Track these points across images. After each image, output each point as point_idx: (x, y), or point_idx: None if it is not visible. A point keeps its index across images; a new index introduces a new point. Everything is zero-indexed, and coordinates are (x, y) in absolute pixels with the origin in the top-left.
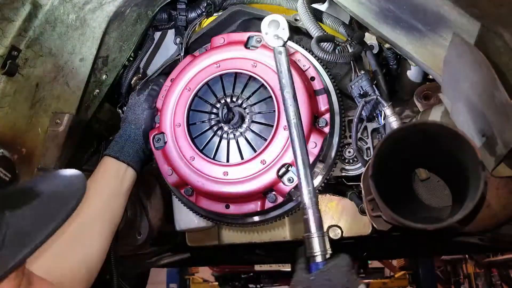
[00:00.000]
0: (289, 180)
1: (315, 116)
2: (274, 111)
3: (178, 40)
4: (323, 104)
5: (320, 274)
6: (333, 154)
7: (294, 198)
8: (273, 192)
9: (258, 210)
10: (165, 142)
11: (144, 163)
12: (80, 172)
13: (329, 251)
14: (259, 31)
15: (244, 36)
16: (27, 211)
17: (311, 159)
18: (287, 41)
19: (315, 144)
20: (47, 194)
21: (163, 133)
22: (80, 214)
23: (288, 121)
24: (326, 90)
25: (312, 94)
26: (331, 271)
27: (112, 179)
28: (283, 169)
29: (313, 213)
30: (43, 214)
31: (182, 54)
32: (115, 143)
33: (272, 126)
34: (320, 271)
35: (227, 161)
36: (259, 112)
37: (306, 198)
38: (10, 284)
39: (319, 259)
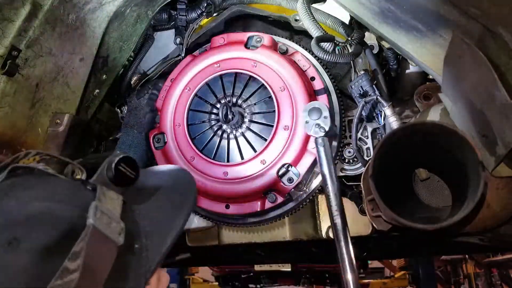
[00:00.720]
0: (289, 180)
1: None
2: (274, 111)
3: (178, 40)
4: None
5: None
6: (333, 154)
7: (294, 198)
8: (273, 192)
9: (258, 210)
10: (165, 142)
11: (146, 167)
12: (178, 167)
13: None
14: (259, 31)
15: (244, 36)
16: (153, 204)
17: (311, 159)
18: (328, 131)
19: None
20: (164, 188)
21: (163, 133)
22: None
23: (331, 219)
24: (326, 90)
25: (312, 94)
26: None
27: None
28: (283, 169)
29: None
30: (169, 207)
31: (182, 54)
32: (119, 149)
33: (272, 126)
34: None
35: (227, 161)
36: (259, 112)
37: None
38: (154, 276)
39: None
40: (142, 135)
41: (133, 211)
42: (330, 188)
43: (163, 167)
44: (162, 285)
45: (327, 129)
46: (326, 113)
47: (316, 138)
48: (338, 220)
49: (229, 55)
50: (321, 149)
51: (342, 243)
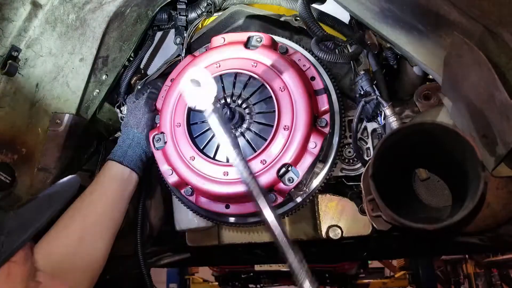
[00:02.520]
0: (289, 180)
1: (315, 116)
2: (274, 111)
3: (178, 40)
4: (323, 104)
5: None
6: (333, 154)
7: (294, 198)
8: (273, 192)
9: (258, 210)
10: (165, 142)
11: (146, 167)
12: (73, 175)
13: None
14: (259, 31)
15: (244, 36)
16: (28, 208)
17: (311, 160)
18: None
19: (315, 144)
20: (44, 195)
21: (163, 133)
22: (85, 217)
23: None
24: (326, 90)
25: (312, 94)
26: None
27: (115, 184)
28: (283, 169)
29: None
30: (42, 207)
31: (183, 54)
32: (119, 147)
33: (272, 126)
34: None
35: (227, 161)
36: (259, 112)
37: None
38: (20, 269)
39: None
40: (142, 135)
41: (8, 214)
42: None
43: (61, 180)
44: (11, 278)
45: (214, 94)
46: (206, 79)
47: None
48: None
49: (229, 55)
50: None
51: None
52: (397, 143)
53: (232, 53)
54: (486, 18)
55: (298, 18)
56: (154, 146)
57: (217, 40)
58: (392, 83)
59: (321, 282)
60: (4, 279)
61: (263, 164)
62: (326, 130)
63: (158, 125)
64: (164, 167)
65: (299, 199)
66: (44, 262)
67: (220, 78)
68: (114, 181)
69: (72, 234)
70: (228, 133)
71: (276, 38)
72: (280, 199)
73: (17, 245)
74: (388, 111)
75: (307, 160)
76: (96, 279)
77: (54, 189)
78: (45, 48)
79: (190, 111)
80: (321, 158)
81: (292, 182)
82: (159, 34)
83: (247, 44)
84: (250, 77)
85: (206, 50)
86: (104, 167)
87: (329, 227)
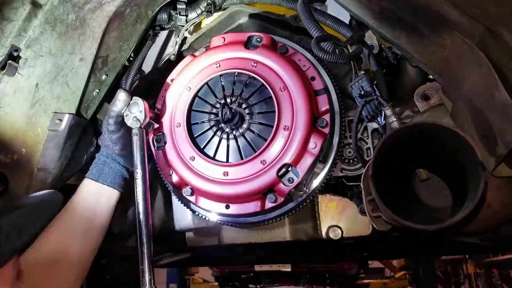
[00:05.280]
0: (289, 180)
1: (315, 116)
2: (274, 111)
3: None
4: (323, 104)
5: None
6: (333, 154)
7: (294, 199)
8: (273, 193)
9: (258, 210)
10: (165, 142)
11: (128, 180)
12: (52, 190)
13: None
14: (259, 31)
15: (244, 36)
16: (17, 215)
17: (311, 160)
18: (142, 123)
19: (315, 144)
20: (31, 204)
21: (163, 133)
22: (61, 233)
23: (136, 198)
24: (326, 90)
25: (312, 94)
26: None
27: (92, 201)
28: (283, 170)
29: None
30: (30, 216)
31: (175, 52)
32: (95, 165)
33: (272, 126)
34: None
35: (227, 161)
36: (259, 112)
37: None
38: (10, 273)
39: None
40: (114, 155)
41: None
42: (139, 174)
43: (39, 192)
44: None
45: (141, 121)
46: (142, 107)
47: (132, 129)
48: (140, 207)
49: (229, 55)
50: (135, 138)
51: (143, 229)
52: (397, 143)
53: (232, 53)
54: (486, 18)
55: (298, 18)
56: (155, 146)
57: (217, 40)
58: (392, 83)
59: (321, 282)
60: None
61: (263, 164)
62: (326, 130)
63: (157, 125)
64: (164, 167)
65: (299, 200)
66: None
67: (220, 78)
68: (91, 199)
69: (47, 250)
70: (141, 156)
71: (276, 38)
72: (280, 200)
73: (12, 250)
74: (388, 111)
75: (307, 161)
76: None
77: (36, 198)
78: (44, 48)
79: (191, 111)
80: (321, 158)
81: (292, 182)
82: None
83: (247, 44)
84: (250, 77)
85: (206, 49)
86: (81, 185)
87: (329, 227)
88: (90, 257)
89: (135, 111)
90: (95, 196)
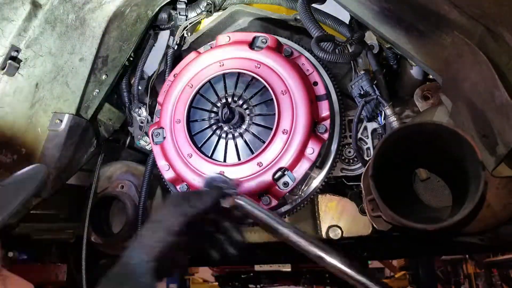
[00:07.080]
0: (284, 184)
1: (315, 121)
2: (274, 114)
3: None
4: (324, 110)
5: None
6: (330, 159)
7: (288, 202)
8: (268, 195)
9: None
10: (164, 137)
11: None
12: (36, 164)
13: None
14: (259, 31)
15: (249, 36)
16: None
17: (308, 165)
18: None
19: (312, 150)
20: (11, 181)
21: (162, 128)
22: None
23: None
24: (328, 96)
25: (314, 100)
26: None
27: None
28: (279, 173)
29: None
30: (9, 192)
31: (172, 44)
32: (114, 275)
33: (271, 129)
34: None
35: (224, 160)
36: (259, 114)
37: None
38: None
39: None
40: (149, 265)
41: None
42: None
43: (25, 168)
44: None
45: None
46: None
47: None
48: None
49: (233, 55)
50: None
51: None
52: (397, 143)
53: (237, 53)
54: (487, 18)
55: (298, 18)
56: (153, 140)
57: (222, 38)
58: (392, 83)
59: (321, 282)
60: None
61: (260, 166)
62: (325, 136)
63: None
64: (161, 162)
65: (293, 203)
66: None
67: (222, 77)
68: None
69: None
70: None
71: (282, 40)
72: (274, 202)
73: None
74: (388, 111)
75: (304, 166)
76: None
77: (20, 177)
78: (44, 48)
79: (191, 108)
80: (318, 164)
81: (287, 186)
82: (159, 34)
83: (252, 45)
84: (253, 78)
85: (211, 47)
86: None
87: (329, 227)
88: None
89: None
90: None
